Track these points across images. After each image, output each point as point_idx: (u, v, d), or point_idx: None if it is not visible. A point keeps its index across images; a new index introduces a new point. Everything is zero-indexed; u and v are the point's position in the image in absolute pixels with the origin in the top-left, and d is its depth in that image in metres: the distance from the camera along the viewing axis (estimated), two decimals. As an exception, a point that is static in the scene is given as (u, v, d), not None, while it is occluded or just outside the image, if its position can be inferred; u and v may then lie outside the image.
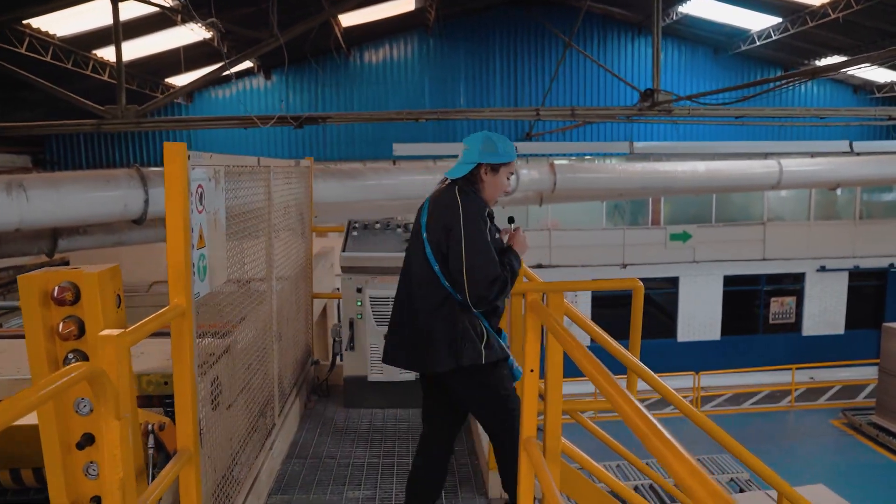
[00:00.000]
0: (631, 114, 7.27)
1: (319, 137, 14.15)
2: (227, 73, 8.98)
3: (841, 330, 15.11)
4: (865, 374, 14.37)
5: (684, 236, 14.12)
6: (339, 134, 14.19)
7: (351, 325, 4.41)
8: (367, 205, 9.22)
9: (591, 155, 13.79)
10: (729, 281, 14.55)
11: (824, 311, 15.05)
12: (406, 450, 3.94)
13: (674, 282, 14.41)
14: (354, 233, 4.56)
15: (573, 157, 13.81)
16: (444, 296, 2.61)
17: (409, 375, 4.41)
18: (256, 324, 3.33)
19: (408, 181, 8.69)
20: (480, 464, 3.66)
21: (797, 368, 14.02)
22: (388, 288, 4.31)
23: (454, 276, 2.60)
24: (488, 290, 2.56)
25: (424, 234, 2.71)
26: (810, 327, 15.03)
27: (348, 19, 12.30)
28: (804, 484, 5.69)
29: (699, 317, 14.52)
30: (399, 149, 7.88)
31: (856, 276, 15.10)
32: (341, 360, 4.56)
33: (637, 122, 10.37)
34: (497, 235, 2.75)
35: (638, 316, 3.20)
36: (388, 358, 2.88)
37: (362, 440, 4.06)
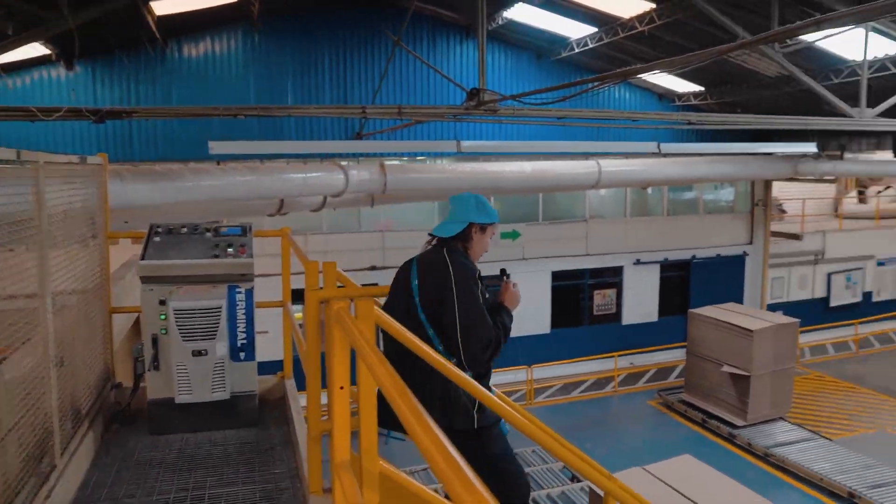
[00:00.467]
0: (458, 113, 7.32)
1: (133, 136, 12.97)
2: (12, 59, 7.84)
3: (655, 318, 16.46)
4: (675, 356, 15.78)
5: (514, 234, 14.62)
6: (157, 133, 13.10)
7: (154, 341, 3.92)
8: (188, 208, 8.52)
9: (421, 155, 13.85)
10: (556, 276, 15.29)
11: (640, 302, 16.31)
12: (220, 478, 3.55)
13: (505, 280, 14.90)
14: (156, 238, 4.06)
15: (405, 158, 13.80)
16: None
17: (224, 395, 4.02)
18: (25, 349, 2.81)
19: (231, 182, 8.13)
20: (303, 488, 3.37)
21: (619, 355, 15.07)
22: (195, 299, 3.88)
23: (449, 340, 2.63)
24: (483, 354, 2.61)
25: (417, 299, 2.74)
26: (629, 316, 16.22)
27: (162, 7, 11.34)
28: (627, 462, 5.97)
29: (530, 311, 15.11)
30: (217, 147, 7.33)
31: (666, 267, 16.53)
32: (144, 382, 4.05)
33: (464, 121, 10.52)
34: (487, 296, 2.80)
35: None
36: (381, 421, 2.62)
37: (169, 471, 3.61)
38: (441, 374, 2.32)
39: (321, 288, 2.69)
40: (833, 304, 19.03)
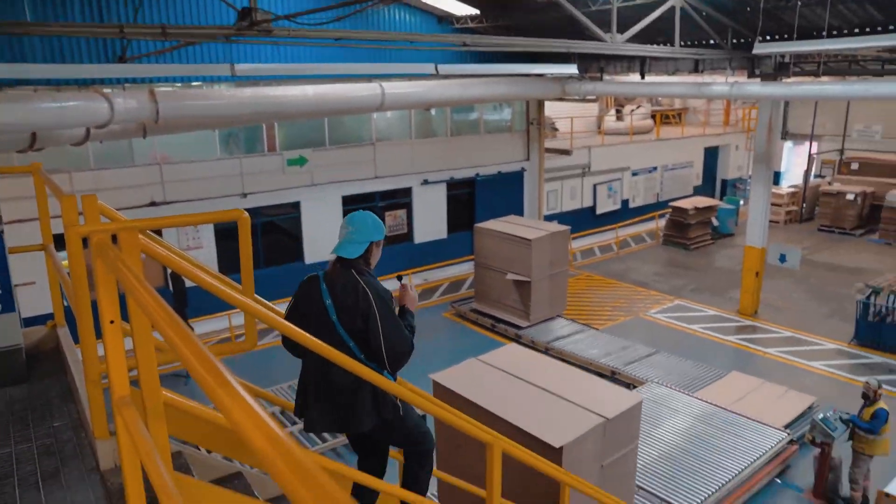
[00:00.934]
0: (230, 34, 6.89)
1: None
2: None
3: (444, 235, 17.33)
4: (465, 269, 16.87)
5: (301, 161, 14.35)
6: None
7: None
8: None
9: (194, 80, 12.85)
10: (347, 200, 15.36)
11: (430, 220, 17.03)
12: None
13: (296, 206, 14.66)
14: None
15: (178, 84, 12.74)
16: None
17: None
18: None
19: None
20: (87, 436, 3.21)
21: (413, 272, 15.74)
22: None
23: (372, 351, 3.11)
24: (405, 359, 3.16)
25: (335, 317, 3.11)
26: (420, 235, 16.90)
27: None
28: (433, 369, 6.38)
29: (322, 239, 15.12)
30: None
31: (452, 186, 17.34)
32: None
33: (240, 42, 9.93)
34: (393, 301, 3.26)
35: (247, 247, 3.06)
36: (313, 427, 3.28)
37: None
38: (364, 380, 2.79)
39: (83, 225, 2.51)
40: (599, 211, 21.39)
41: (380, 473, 3.52)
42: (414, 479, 3.47)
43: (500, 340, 13.45)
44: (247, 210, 3.08)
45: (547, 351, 12.56)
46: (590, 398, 5.91)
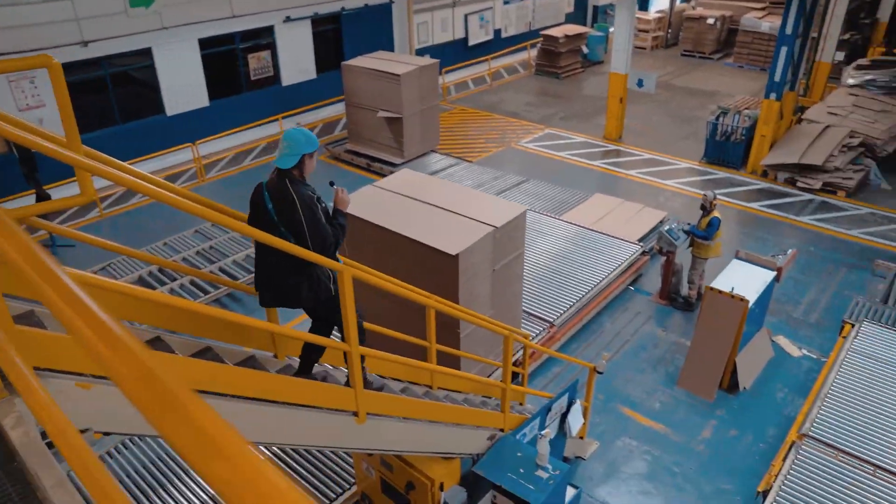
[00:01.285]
0: None
1: None
2: None
3: (314, 75, 16.56)
4: (338, 110, 16.41)
5: (146, 1, 12.89)
6: None
7: None
8: None
9: None
10: (205, 44, 14.18)
11: (297, 60, 16.14)
12: None
13: (147, 54, 13.38)
14: None
15: None
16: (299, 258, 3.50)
17: None
18: None
19: None
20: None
21: (283, 118, 15.16)
22: None
23: (305, 244, 3.66)
24: (329, 252, 3.76)
25: (276, 217, 3.78)
26: (288, 77, 16.06)
27: None
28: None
29: (183, 88, 14.08)
30: None
31: (317, 22, 16.31)
32: None
33: None
34: (323, 205, 3.90)
35: (63, 98, 2.81)
36: (266, 302, 4.00)
37: None
38: (303, 267, 3.74)
39: None
40: (471, 42, 20.97)
41: (326, 335, 4.23)
42: (324, 333, 4.24)
43: (377, 178, 13.51)
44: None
45: (422, 187, 12.81)
46: (480, 211, 6.50)
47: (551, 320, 8.39)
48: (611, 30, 23.37)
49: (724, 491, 6.53)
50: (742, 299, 7.43)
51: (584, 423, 6.48)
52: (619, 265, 9.71)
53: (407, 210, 6.57)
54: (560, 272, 9.59)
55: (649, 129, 16.45)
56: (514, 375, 6.23)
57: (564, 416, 5.87)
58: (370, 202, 6.72)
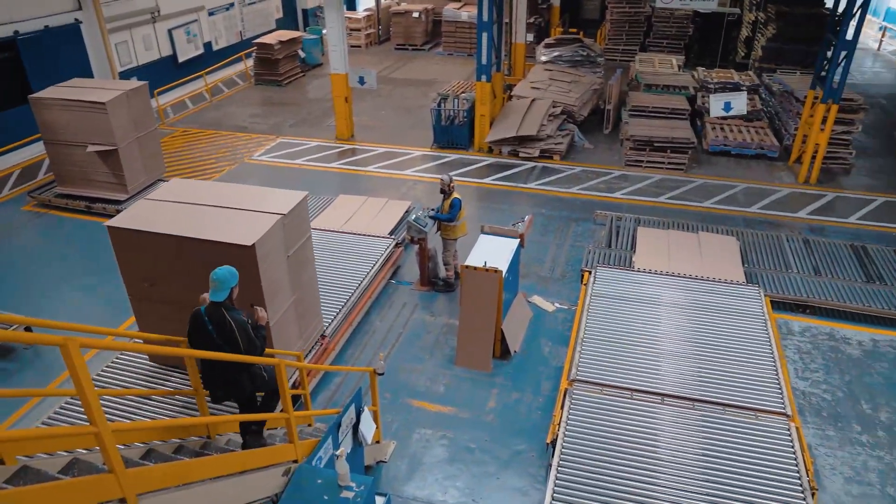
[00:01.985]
0: None
1: None
2: None
3: (-7, 113, 14.16)
4: (37, 151, 14.24)
5: None
6: None
7: None
8: None
9: None
10: None
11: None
12: None
13: None
14: None
15: None
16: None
17: None
18: None
19: None
20: None
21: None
22: None
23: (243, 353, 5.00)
24: (258, 353, 5.10)
25: (217, 338, 4.97)
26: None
27: None
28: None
29: None
30: None
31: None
32: None
33: None
34: (250, 321, 5.18)
35: None
36: (218, 398, 5.29)
37: None
38: (247, 371, 5.13)
39: None
40: (181, 59, 19.59)
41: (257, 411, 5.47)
42: (270, 407, 5.55)
43: (102, 221, 12.02)
44: None
45: (156, 220, 11.69)
46: (262, 203, 6.78)
47: (322, 332, 8.15)
48: (324, 32, 23.46)
49: (520, 451, 6.90)
50: (496, 270, 7.89)
51: (376, 428, 6.39)
52: (377, 261, 9.75)
53: (191, 215, 6.59)
54: (320, 282, 9.34)
55: (379, 124, 16.82)
56: (296, 399, 5.91)
57: (356, 426, 5.71)
58: (150, 216, 6.60)
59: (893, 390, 7.88)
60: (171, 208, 6.73)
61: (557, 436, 6.43)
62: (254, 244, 6.06)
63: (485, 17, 13.45)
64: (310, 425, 6.48)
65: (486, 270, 7.90)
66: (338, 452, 4.76)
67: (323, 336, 7.99)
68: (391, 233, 10.70)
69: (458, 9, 22.69)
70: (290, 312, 7.05)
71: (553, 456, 6.26)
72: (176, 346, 5.25)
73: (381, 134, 16.11)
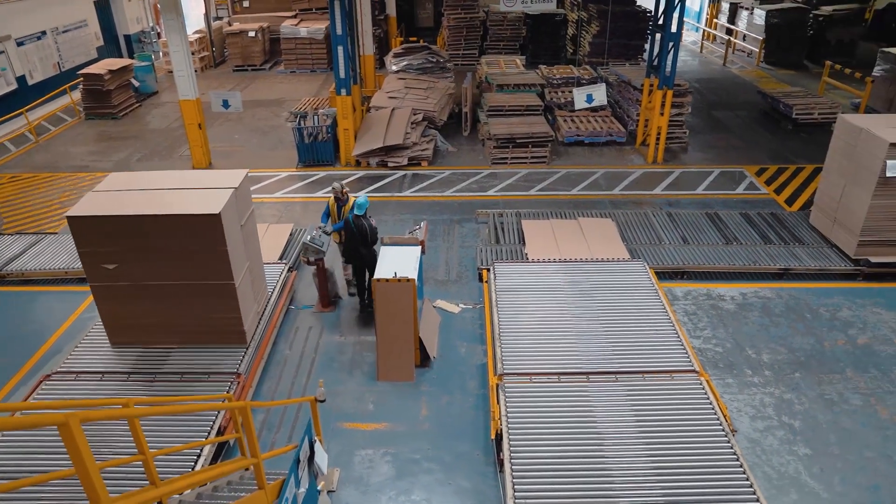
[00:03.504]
0: None
1: None
2: None
3: None
4: None
5: None
6: None
7: None
8: None
9: None
10: None
11: None
12: None
13: None
14: None
15: None
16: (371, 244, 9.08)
17: None
18: None
19: None
20: None
21: None
22: None
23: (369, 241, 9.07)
24: (376, 241, 9.33)
25: (357, 233, 8.97)
26: None
27: None
28: None
29: None
30: None
31: None
32: None
33: None
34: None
35: None
36: (356, 264, 9.18)
37: None
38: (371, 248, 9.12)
39: None
40: (-8, 98, 17.61)
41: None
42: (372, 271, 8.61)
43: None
44: None
45: (2, 279, 10.45)
46: (211, 181, 7.73)
47: (235, 370, 7.70)
48: (160, 56, 22.14)
49: (464, 453, 6.96)
50: (408, 279, 7.89)
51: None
52: (275, 289, 9.39)
53: (148, 198, 7.30)
54: (219, 317, 8.86)
55: (236, 149, 16.16)
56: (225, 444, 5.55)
57: (311, 459, 5.49)
58: (108, 203, 7.19)
59: (767, 333, 8.86)
60: (125, 195, 7.41)
61: (501, 430, 6.56)
62: (220, 212, 6.95)
63: (338, 31, 13.36)
64: (247, 469, 6.13)
65: (398, 281, 7.87)
66: (299, 491, 4.57)
67: (237, 374, 7.56)
68: (280, 258, 10.33)
69: (296, 25, 22.30)
70: (247, 277, 7.99)
71: (501, 451, 6.38)
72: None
73: (242, 159, 15.47)
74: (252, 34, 22.56)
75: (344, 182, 13.96)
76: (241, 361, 7.77)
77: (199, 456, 6.27)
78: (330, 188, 9.47)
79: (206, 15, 24.10)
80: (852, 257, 10.10)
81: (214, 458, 6.64)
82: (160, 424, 6.59)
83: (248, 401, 5.60)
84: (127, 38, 24.25)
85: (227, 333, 7.85)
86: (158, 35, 24.88)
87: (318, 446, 5.58)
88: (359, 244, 8.97)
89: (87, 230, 7.04)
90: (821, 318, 9.20)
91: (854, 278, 10.11)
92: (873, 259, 9.99)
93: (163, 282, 7.39)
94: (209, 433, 6.57)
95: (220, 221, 6.95)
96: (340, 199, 9.34)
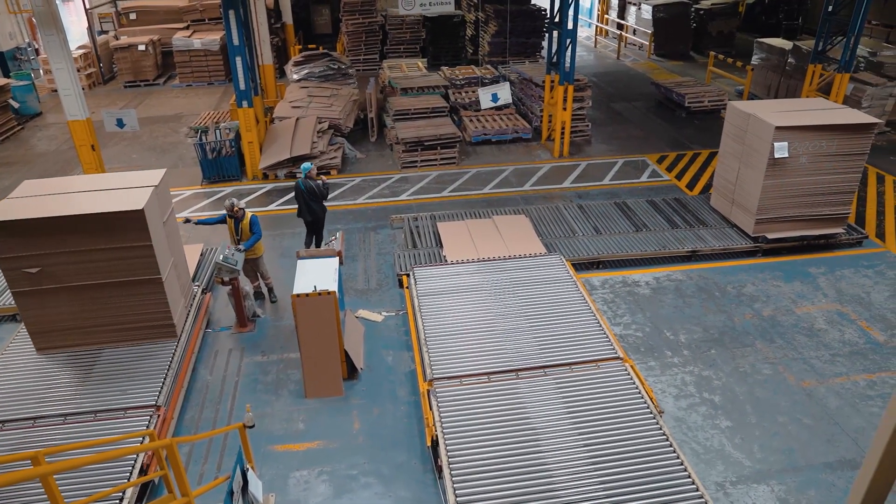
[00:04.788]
0: None
1: None
2: None
3: None
4: None
5: None
6: None
7: None
8: None
9: None
10: None
11: None
12: None
13: None
14: None
15: None
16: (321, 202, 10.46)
17: None
18: None
19: None
20: None
21: None
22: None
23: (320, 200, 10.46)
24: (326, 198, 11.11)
25: (306, 192, 10.16)
26: None
27: None
28: None
29: None
30: None
31: None
32: None
33: None
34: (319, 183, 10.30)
35: None
36: (307, 220, 10.46)
37: None
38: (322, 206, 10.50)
39: None
40: None
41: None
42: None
43: None
44: None
45: None
46: (130, 181, 8.06)
47: (153, 402, 7.30)
48: (41, 74, 20.75)
49: (402, 463, 6.86)
50: (329, 292, 7.72)
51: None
52: (189, 312, 8.99)
53: (67, 201, 7.47)
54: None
55: (135, 169, 15.36)
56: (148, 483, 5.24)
57: (244, 489, 5.26)
58: (27, 208, 7.30)
59: (682, 314, 9.25)
60: (43, 200, 7.51)
61: (436, 436, 6.52)
62: (143, 208, 7.21)
63: (235, 41, 12.94)
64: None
65: (319, 294, 7.69)
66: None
67: (157, 406, 7.17)
68: (193, 279, 9.89)
69: (189, 36, 21.47)
70: (173, 272, 8.20)
71: (438, 457, 6.34)
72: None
73: (141, 178, 14.70)
74: (142, 48, 21.54)
75: (252, 196, 13.56)
76: (160, 393, 7.38)
77: (121, 500, 5.90)
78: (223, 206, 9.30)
79: (90, 29, 22.81)
80: (751, 235, 10.70)
81: (140, 499, 6.27)
82: (75, 471, 6.16)
83: (172, 438, 5.31)
84: (1, 55, 22.59)
85: (156, 328, 8.13)
86: (37, 52, 23.34)
87: (250, 474, 5.35)
88: (310, 201, 10.15)
89: (5, 236, 7.15)
90: (728, 295, 9.68)
91: (754, 255, 10.71)
92: (770, 235, 10.62)
93: (89, 282, 7.63)
94: (131, 474, 6.19)
95: (143, 217, 7.24)
96: (235, 216, 9.15)
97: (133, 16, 23.59)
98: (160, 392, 7.39)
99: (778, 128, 9.90)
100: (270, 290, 9.94)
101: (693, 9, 24.92)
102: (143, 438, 6.51)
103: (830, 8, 15.40)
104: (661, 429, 6.49)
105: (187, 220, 9.46)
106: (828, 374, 8.06)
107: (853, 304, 9.42)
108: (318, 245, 10.79)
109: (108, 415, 7.05)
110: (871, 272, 10.25)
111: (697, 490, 5.80)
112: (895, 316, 9.16)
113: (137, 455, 6.34)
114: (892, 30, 18.37)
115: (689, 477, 5.94)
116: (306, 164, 10.29)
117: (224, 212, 9.37)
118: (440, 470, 6.29)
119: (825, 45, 15.93)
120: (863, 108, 15.81)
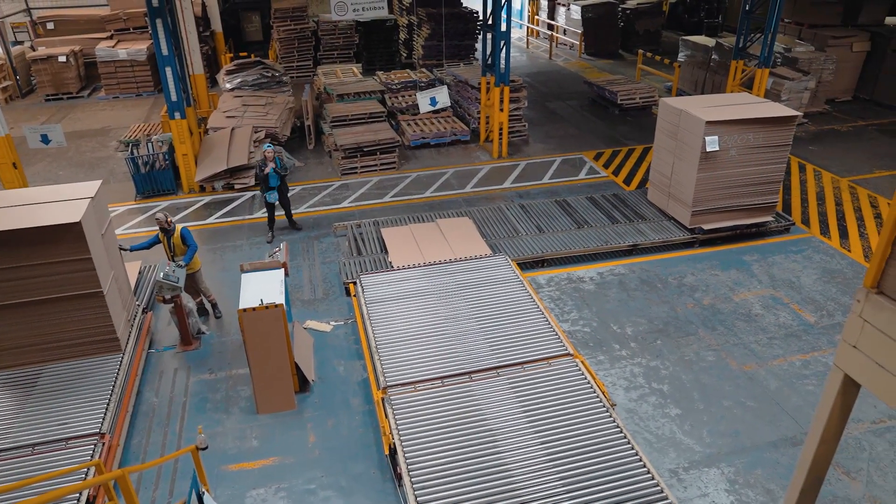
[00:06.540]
0: None
1: None
2: None
3: None
4: None
5: None
6: None
7: None
8: None
9: None
10: None
11: None
12: None
13: None
14: None
15: None
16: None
17: None
18: None
19: None
20: None
21: None
22: None
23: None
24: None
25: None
26: None
27: None
28: None
29: None
30: None
31: None
32: None
33: None
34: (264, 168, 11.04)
35: None
36: (273, 197, 11.67)
37: None
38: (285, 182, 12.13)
39: None
40: None
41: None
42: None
43: None
44: None
45: None
46: (65, 194, 7.88)
47: (97, 430, 7.01)
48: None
49: (360, 474, 6.80)
50: (276, 305, 7.58)
51: (214, 506, 5.77)
52: (132, 328, 8.68)
53: (1, 215, 7.30)
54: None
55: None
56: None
57: (200, 512, 5.11)
58: None
59: (626, 308, 9.48)
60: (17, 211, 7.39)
61: (394, 444, 6.49)
62: (80, 220, 7.10)
63: (164, 51, 12.57)
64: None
65: (266, 308, 7.54)
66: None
67: (101, 434, 6.89)
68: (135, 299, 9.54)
69: (114, 46, 20.72)
70: (114, 285, 8.08)
71: (397, 464, 6.31)
72: None
73: (69, 196, 14.10)
74: (63, 59, 20.66)
75: (190, 210, 13.20)
76: (104, 419, 7.09)
77: (67, 534, 5.64)
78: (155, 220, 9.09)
79: (2, 39, 21.75)
80: (688, 227, 11.06)
81: (87, 532, 6.01)
82: (15, 507, 5.85)
83: (123, 469, 5.11)
84: None
85: (100, 342, 7.95)
86: (-54, 67, 22.11)
87: (206, 498, 5.21)
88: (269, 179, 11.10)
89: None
90: (670, 286, 9.98)
91: (692, 246, 11.08)
92: (706, 226, 11.00)
93: (27, 299, 7.42)
94: (77, 508, 5.93)
95: (81, 229, 7.13)
96: (167, 230, 8.95)
97: (51, 25, 22.60)
98: (104, 418, 7.10)
99: (708, 122, 10.27)
100: (214, 305, 9.71)
101: (620, 8, 25.58)
102: (88, 471, 6.24)
103: (748, 7, 16.08)
104: (614, 421, 6.63)
105: (121, 248, 8.97)
106: (766, 356, 8.41)
107: (785, 289, 9.85)
108: (288, 216, 12.07)
109: (49, 447, 6.73)
110: (799, 257, 10.75)
111: (653, 479, 5.96)
112: (823, 298, 9.63)
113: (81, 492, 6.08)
114: (803, 27, 19.34)
115: (645, 467, 6.09)
116: (265, 146, 11.31)
117: (155, 233, 9.13)
118: (400, 477, 6.26)
119: (745, 42, 16.63)
120: (782, 101, 16.57)
